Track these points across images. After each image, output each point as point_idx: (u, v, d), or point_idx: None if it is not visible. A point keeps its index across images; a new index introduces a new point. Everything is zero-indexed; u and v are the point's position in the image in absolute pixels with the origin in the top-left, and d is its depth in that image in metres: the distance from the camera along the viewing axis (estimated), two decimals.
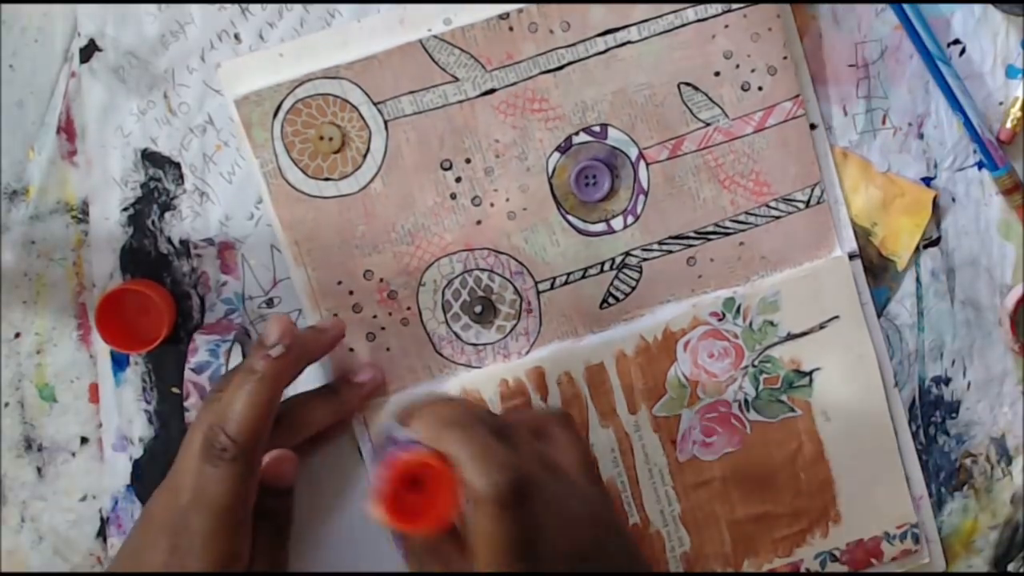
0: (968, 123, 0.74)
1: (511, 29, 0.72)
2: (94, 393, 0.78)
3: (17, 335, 0.78)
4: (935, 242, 0.77)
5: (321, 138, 0.73)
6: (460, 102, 0.73)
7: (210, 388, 0.68)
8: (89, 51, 0.75)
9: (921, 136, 0.76)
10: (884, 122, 0.76)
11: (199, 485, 0.64)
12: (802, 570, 0.77)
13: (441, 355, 0.76)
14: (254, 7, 0.74)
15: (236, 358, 0.75)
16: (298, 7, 0.74)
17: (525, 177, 0.74)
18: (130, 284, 0.75)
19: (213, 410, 0.65)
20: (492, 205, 0.74)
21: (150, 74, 0.75)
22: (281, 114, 0.73)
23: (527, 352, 0.76)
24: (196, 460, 0.64)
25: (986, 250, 0.77)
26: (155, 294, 0.74)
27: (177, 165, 0.76)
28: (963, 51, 0.75)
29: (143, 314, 0.75)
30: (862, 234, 0.76)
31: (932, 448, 0.78)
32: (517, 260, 0.75)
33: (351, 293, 0.75)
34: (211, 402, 0.66)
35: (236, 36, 0.74)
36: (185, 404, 0.73)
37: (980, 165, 0.76)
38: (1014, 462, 0.78)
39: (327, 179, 0.74)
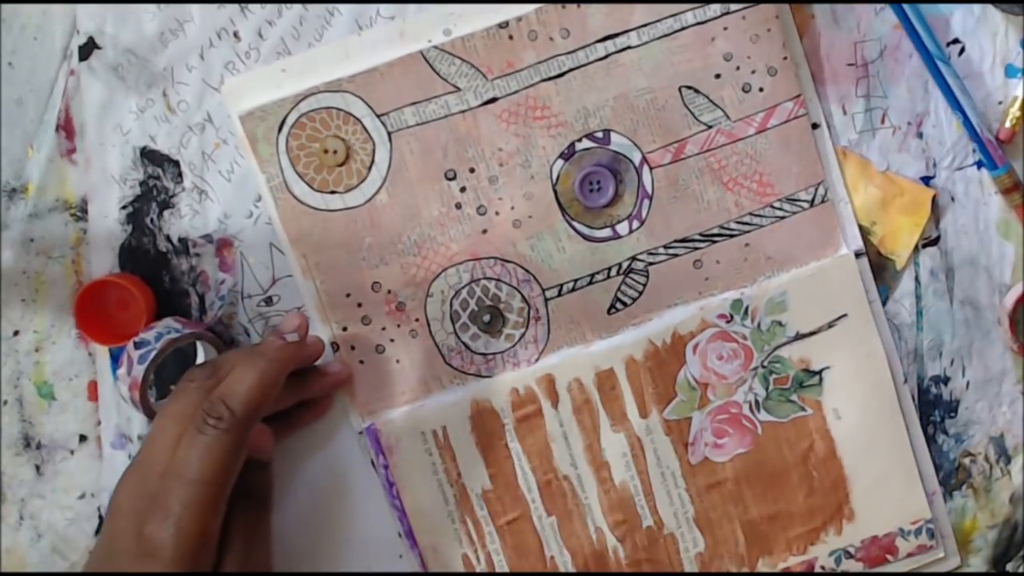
0: (967, 122, 0.74)
1: (511, 38, 0.73)
2: (93, 391, 0.78)
3: (16, 333, 0.78)
4: (934, 241, 0.77)
5: (326, 151, 0.73)
6: (462, 112, 0.73)
7: (196, 371, 0.68)
8: (88, 49, 0.75)
9: (920, 135, 0.76)
10: (883, 121, 0.76)
11: (180, 456, 0.63)
12: (817, 568, 0.77)
13: (451, 366, 0.76)
14: (253, 6, 0.74)
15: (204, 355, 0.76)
16: (297, 6, 0.74)
17: (529, 185, 0.74)
18: (110, 277, 0.75)
19: (204, 387, 0.66)
20: (497, 214, 0.75)
21: (149, 72, 0.75)
22: (286, 128, 0.73)
23: (536, 360, 0.76)
24: (175, 434, 0.64)
25: (985, 249, 0.77)
26: (135, 288, 0.74)
27: (176, 163, 0.76)
28: (962, 50, 0.75)
29: (123, 308, 0.76)
30: (861, 233, 0.76)
31: (931, 447, 0.78)
32: (524, 268, 0.75)
33: (359, 305, 0.75)
34: (202, 378, 0.67)
35: (235, 34, 0.74)
36: (117, 372, 0.73)
37: (979, 164, 0.76)
38: (1013, 461, 0.79)
39: (333, 192, 0.74)
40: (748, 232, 0.75)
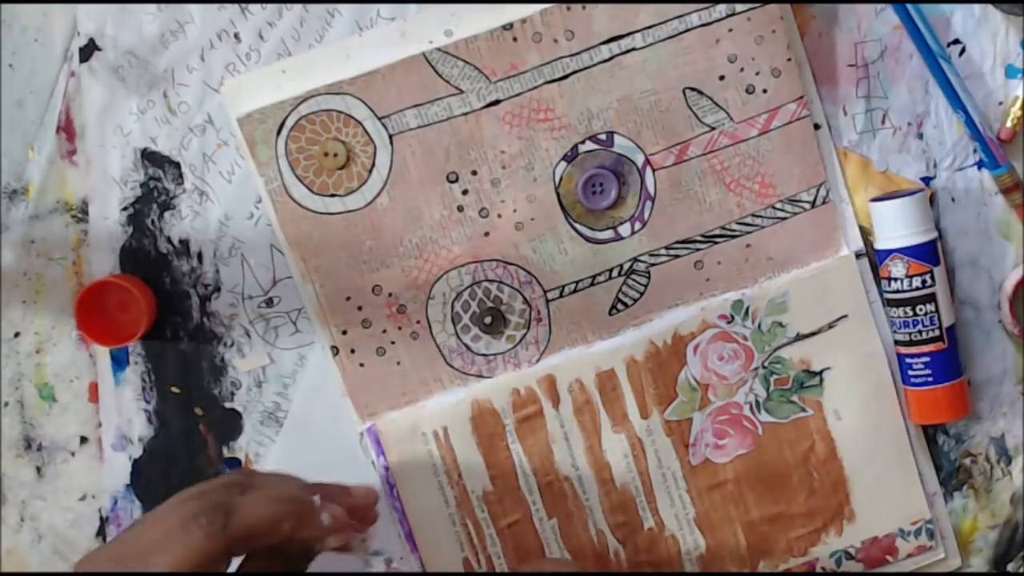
0: (969, 120, 0.74)
1: (515, 39, 0.72)
2: (94, 392, 0.78)
3: (17, 335, 0.77)
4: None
5: (326, 154, 0.73)
6: (465, 114, 0.73)
7: (235, 473, 0.68)
8: (89, 50, 0.74)
9: (920, 136, 0.76)
10: (884, 122, 0.76)
11: (158, 541, 0.60)
12: (818, 569, 0.77)
13: (452, 367, 0.76)
14: (253, 7, 0.73)
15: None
16: (297, 7, 0.73)
17: (532, 187, 0.74)
18: (111, 278, 0.75)
19: (227, 490, 0.63)
20: (500, 216, 0.74)
21: (150, 73, 0.74)
22: (285, 131, 0.73)
23: (537, 360, 0.76)
24: (176, 519, 0.60)
25: (986, 250, 0.77)
26: (136, 289, 0.74)
27: (177, 164, 0.75)
28: (963, 51, 0.75)
29: (124, 309, 0.75)
30: (861, 233, 0.76)
31: (931, 448, 0.78)
32: (526, 270, 0.75)
33: (360, 309, 0.75)
34: (230, 483, 0.63)
35: (236, 36, 0.74)
36: None
37: (980, 165, 0.76)
38: (1013, 462, 0.79)
39: (333, 195, 0.73)
40: (749, 233, 0.75)
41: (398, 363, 0.76)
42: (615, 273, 0.75)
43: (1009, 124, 0.75)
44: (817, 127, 0.75)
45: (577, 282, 0.75)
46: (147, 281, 0.76)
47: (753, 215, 0.75)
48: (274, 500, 0.63)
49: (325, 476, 0.77)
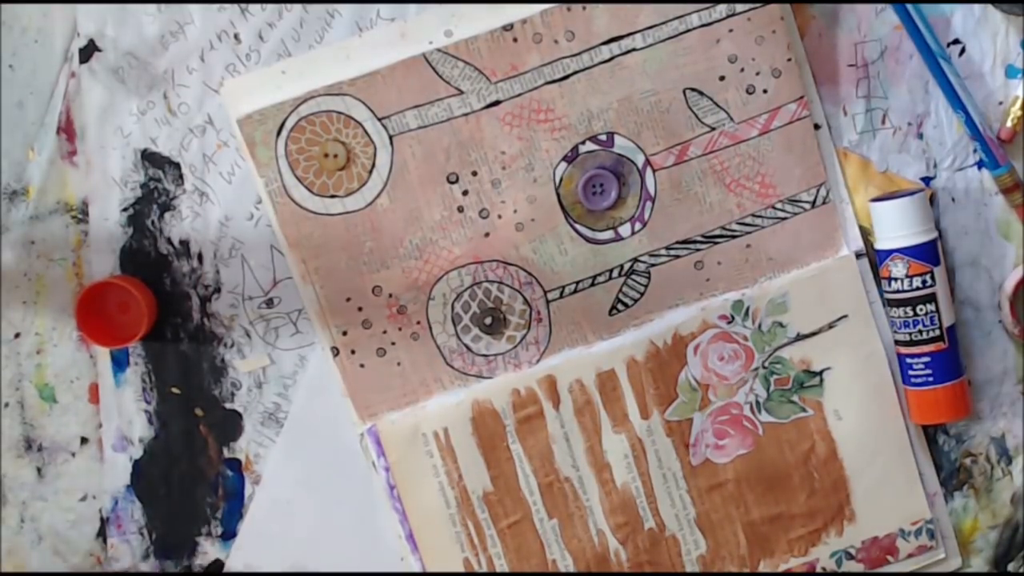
0: (969, 120, 0.74)
1: (515, 40, 0.72)
2: (94, 393, 0.78)
3: (17, 335, 0.77)
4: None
5: (326, 155, 0.73)
6: (465, 115, 0.73)
7: None
8: (89, 51, 0.74)
9: (921, 136, 0.76)
10: (884, 122, 0.76)
11: None
12: (818, 569, 0.77)
13: (452, 367, 0.76)
14: (253, 7, 0.73)
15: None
16: (297, 7, 0.73)
17: (532, 188, 0.74)
18: (111, 279, 0.75)
19: None
20: (500, 217, 0.74)
21: (150, 74, 0.74)
22: (284, 132, 0.73)
23: (538, 361, 0.76)
24: None
25: (986, 250, 0.77)
26: (136, 290, 0.74)
27: (177, 165, 0.75)
28: (963, 51, 0.75)
29: (124, 310, 0.75)
30: (861, 234, 0.76)
31: (932, 448, 0.78)
32: (526, 271, 0.75)
33: (360, 309, 0.75)
34: None
35: (236, 36, 0.74)
36: None
37: (980, 165, 0.76)
38: (1014, 462, 0.79)
39: (333, 196, 0.73)
40: (750, 233, 0.75)
41: (398, 364, 0.76)
42: (615, 273, 0.75)
43: (1009, 124, 0.75)
44: (817, 127, 0.75)
45: (577, 282, 0.75)
46: (147, 282, 0.76)
47: (753, 215, 0.75)
48: None
49: (325, 476, 0.77)
